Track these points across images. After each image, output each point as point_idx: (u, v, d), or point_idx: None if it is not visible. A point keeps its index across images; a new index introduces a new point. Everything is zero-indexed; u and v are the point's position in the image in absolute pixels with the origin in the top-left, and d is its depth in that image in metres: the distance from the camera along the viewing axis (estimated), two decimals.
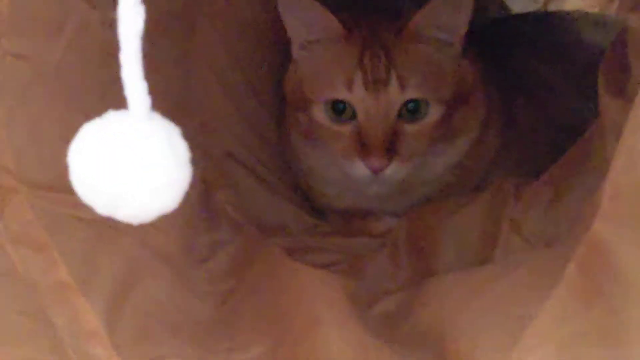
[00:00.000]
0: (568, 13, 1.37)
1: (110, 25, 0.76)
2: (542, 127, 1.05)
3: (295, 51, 0.97)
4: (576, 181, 0.80)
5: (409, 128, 0.92)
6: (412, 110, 0.92)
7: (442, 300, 0.72)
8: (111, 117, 0.50)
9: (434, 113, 0.93)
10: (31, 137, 0.68)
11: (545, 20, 1.32)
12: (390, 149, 0.91)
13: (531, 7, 1.46)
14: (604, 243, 0.55)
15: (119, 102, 0.77)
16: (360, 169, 0.92)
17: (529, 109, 1.06)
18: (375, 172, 0.91)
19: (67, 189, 0.68)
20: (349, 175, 0.95)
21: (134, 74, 0.49)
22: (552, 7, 1.45)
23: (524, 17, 1.40)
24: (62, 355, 0.63)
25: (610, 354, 0.53)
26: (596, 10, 1.37)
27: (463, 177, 1.01)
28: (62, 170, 0.69)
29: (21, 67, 0.68)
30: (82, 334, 0.65)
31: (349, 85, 0.92)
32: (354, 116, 0.93)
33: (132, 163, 0.49)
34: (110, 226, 0.69)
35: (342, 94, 0.92)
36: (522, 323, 0.57)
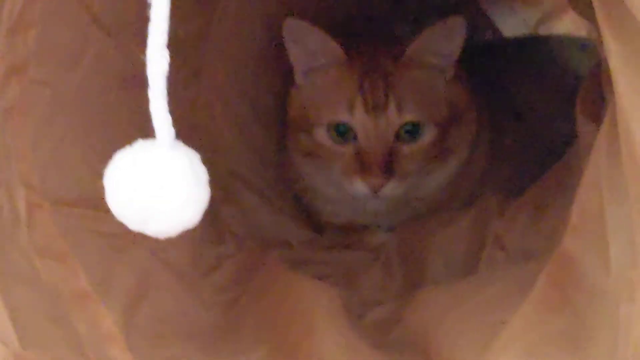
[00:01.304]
0: (557, 37, 1.40)
1: (123, 53, 0.81)
2: (528, 148, 1.07)
3: (299, 78, 1.01)
4: (554, 199, 0.82)
5: (406, 148, 0.96)
6: (409, 131, 0.96)
7: (429, 308, 0.76)
8: (141, 146, 0.54)
9: (429, 134, 0.97)
10: (54, 157, 0.72)
11: (534, 44, 1.34)
12: (388, 168, 0.95)
13: (522, 31, 1.48)
14: (571, 255, 0.59)
15: (133, 124, 0.81)
16: (359, 187, 0.96)
17: (516, 130, 1.09)
18: (374, 190, 0.95)
19: (87, 205, 0.73)
20: (348, 192, 0.98)
21: (160, 108, 0.53)
22: (542, 31, 1.47)
23: (514, 41, 1.42)
24: (84, 357, 0.66)
25: (574, 355, 0.56)
26: (584, 34, 1.36)
27: (453, 194, 1.04)
28: (82, 188, 0.74)
29: (44, 93, 0.71)
30: (101, 338, 0.68)
31: (350, 109, 0.96)
32: (354, 137, 0.96)
33: (160, 185, 0.53)
34: (125, 239, 0.73)
35: (343, 117, 0.96)
36: (496, 328, 0.61)
